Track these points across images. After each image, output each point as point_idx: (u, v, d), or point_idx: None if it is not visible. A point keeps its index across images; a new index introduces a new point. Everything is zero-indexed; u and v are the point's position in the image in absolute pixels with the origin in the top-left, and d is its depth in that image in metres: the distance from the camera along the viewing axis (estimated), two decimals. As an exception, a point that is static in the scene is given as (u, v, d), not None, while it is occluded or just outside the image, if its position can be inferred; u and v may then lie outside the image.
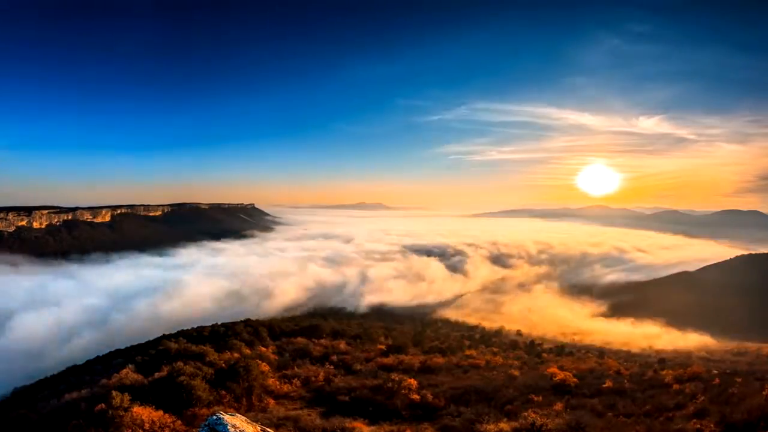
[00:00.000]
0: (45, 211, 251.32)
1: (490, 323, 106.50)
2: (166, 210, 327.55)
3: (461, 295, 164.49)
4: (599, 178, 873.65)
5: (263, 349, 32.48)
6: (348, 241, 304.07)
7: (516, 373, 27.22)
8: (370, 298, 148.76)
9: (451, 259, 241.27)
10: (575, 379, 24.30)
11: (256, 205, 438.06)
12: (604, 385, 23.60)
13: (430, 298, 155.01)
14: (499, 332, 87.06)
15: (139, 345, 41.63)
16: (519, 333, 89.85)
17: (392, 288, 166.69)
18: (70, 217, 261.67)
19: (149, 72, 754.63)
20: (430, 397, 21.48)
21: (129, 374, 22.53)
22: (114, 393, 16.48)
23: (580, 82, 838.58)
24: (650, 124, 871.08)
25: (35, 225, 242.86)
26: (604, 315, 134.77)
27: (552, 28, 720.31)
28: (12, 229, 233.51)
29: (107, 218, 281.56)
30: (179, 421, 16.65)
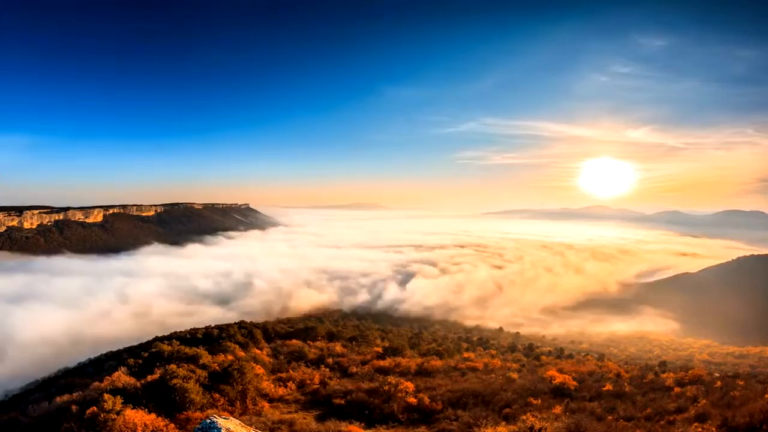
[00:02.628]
0: (36, 211, 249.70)
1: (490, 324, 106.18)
2: (159, 210, 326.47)
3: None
4: (599, 181, 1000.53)
5: (257, 351, 32.12)
6: (339, 240, 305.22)
7: (514, 375, 26.93)
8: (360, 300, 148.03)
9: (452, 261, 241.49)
10: (575, 382, 24.02)
11: (250, 205, 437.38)
12: (604, 388, 23.37)
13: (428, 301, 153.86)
14: (497, 334, 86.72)
15: (132, 347, 41.23)
16: (518, 335, 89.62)
17: (385, 290, 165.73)
18: (61, 217, 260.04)
19: (144, 69, 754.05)
20: (427, 400, 21.19)
21: (121, 377, 22.14)
22: (106, 396, 16.12)
23: (574, 106, 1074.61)
24: (639, 135, 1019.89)
25: (26, 225, 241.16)
26: (605, 317, 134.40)
27: (551, 69, 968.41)
28: (2, 229, 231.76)
29: (99, 218, 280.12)
30: (172, 425, 16.36)
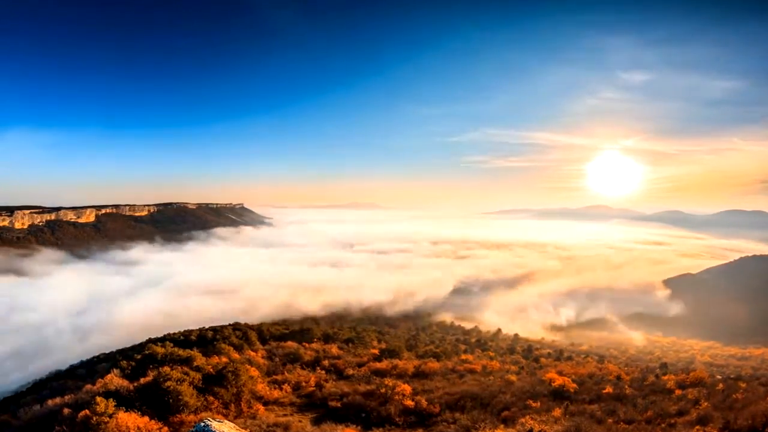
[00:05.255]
0: (27, 211, 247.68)
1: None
2: (152, 210, 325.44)
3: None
4: (600, 180, 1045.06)
5: (252, 353, 31.76)
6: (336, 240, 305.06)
7: (513, 378, 26.73)
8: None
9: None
10: (574, 385, 23.79)
11: (245, 205, 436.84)
12: (604, 391, 23.15)
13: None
14: (495, 336, 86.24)
15: (124, 349, 40.81)
16: (517, 336, 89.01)
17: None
18: (53, 217, 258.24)
19: (140, 66, 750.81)
20: (424, 403, 20.94)
21: (114, 379, 21.79)
22: (98, 399, 15.87)
23: (570, 121, 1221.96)
24: (631, 143, 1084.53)
25: (17, 225, 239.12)
26: (604, 317, 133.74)
27: (550, 94, 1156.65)
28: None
29: (92, 218, 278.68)
30: (166, 428, 16.18)
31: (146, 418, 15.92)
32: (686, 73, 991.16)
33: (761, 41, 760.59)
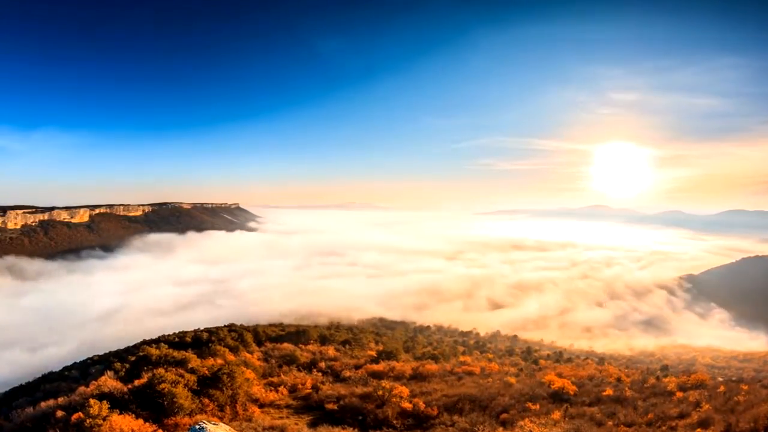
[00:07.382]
0: (20, 211, 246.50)
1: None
2: (146, 210, 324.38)
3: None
4: (599, 183, 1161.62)
5: (248, 355, 31.48)
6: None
7: (512, 380, 26.47)
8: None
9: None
10: (574, 387, 23.61)
11: (240, 205, 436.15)
12: (604, 393, 22.94)
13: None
14: (494, 338, 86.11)
15: (118, 351, 40.55)
16: (516, 338, 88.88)
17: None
18: (46, 217, 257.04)
19: (135, 66, 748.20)
20: (422, 405, 20.71)
21: (107, 381, 21.53)
22: (92, 401, 15.64)
23: (570, 130, 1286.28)
24: (628, 147, 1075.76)
25: (10, 225, 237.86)
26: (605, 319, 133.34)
27: (550, 109, 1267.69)
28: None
29: (85, 218, 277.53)
30: (160, 431, 15.97)
31: (140, 421, 15.70)
32: (670, 94, 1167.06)
33: (733, 70, 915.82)
